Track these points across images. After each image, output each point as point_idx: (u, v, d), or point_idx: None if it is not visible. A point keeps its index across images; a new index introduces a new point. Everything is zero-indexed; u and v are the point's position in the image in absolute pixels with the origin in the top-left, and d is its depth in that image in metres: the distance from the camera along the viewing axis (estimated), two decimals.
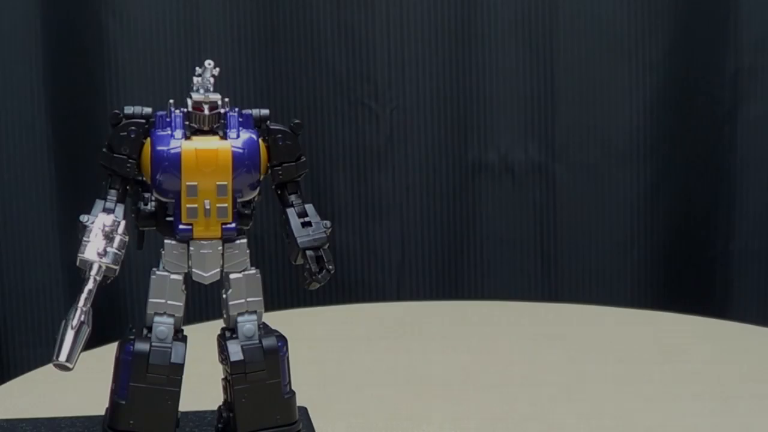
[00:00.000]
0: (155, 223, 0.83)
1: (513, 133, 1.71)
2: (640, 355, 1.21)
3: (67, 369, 0.75)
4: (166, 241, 0.83)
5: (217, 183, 0.81)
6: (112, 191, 0.81)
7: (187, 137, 0.81)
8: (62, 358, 0.75)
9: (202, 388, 0.91)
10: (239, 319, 0.83)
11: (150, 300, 0.82)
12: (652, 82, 1.69)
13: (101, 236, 0.78)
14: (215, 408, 0.88)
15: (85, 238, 0.79)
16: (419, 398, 1.08)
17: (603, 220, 1.73)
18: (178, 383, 0.81)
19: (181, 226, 0.81)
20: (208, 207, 0.81)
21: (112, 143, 0.81)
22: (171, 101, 0.82)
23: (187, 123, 0.81)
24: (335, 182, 1.69)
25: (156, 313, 0.82)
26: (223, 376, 0.85)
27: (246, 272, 0.84)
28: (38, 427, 0.93)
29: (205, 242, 0.82)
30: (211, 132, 0.82)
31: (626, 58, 1.69)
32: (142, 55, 1.62)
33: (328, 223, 0.84)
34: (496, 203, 1.73)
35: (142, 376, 0.80)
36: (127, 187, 0.82)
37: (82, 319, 0.76)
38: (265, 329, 0.84)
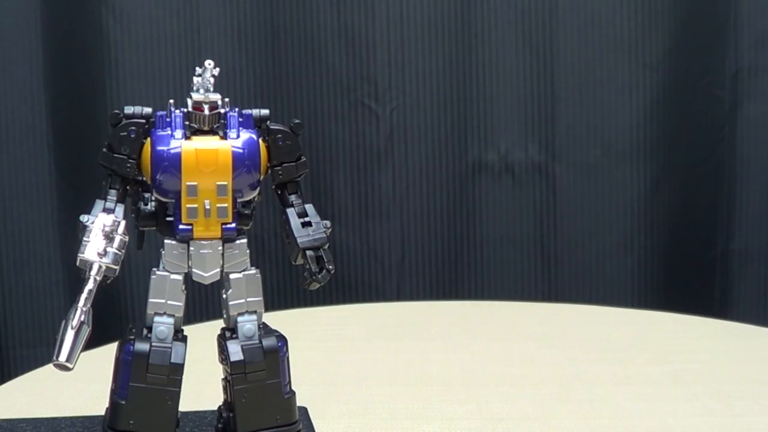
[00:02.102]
0: (155, 223, 0.83)
1: (513, 133, 1.71)
2: (640, 355, 1.21)
3: (67, 369, 0.75)
4: (166, 241, 0.82)
5: (217, 183, 0.81)
6: (112, 191, 0.81)
7: (187, 137, 0.81)
8: (62, 358, 0.75)
9: (202, 388, 0.91)
10: (239, 319, 0.83)
11: (150, 300, 0.82)
12: (652, 82, 1.70)
13: (101, 236, 0.78)
14: (215, 408, 0.88)
15: (85, 238, 0.79)
16: (419, 398, 1.08)
17: (603, 220, 1.73)
18: (178, 383, 0.81)
19: (181, 226, 0.81)
20: (208, 207, 0.81)
21: (112, 143, 0.81)
22: (171, 101, 0.82)
23: (187, 123, 0.81)
24: (335, 182, 1.70)
25: (156, 313, 0.82)
26: (223, 376, 0.85)
27: (246, 272, 0.84)
28: (38, 427, 0.93)
29: (205, 242, 0.82)
30: (211, 132, 0.82)
31: (626, 58, 1.69)
32: (142, 55, 1.62)
33: (328, 223, 0.84)
34: (496, 203, 1.73)
35: (142, 376, 0.80)
36: (127, 187, 0.82)
37: (82, 319, 0.76)
38: (265, 329, 0.84)
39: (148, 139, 0.81)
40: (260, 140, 0.83)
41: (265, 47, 1.66)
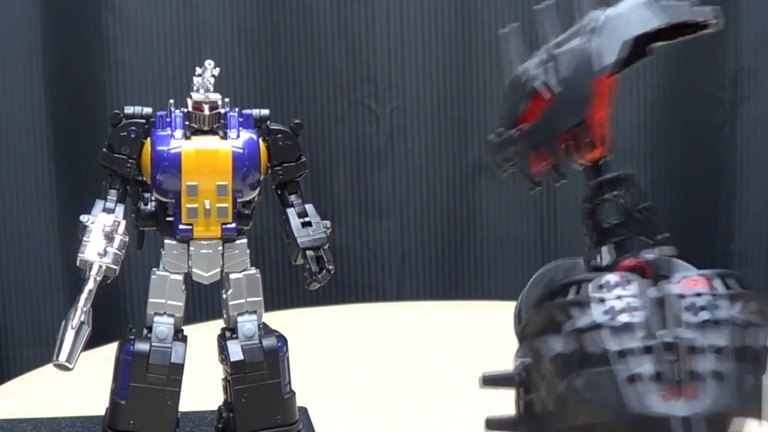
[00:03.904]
0: (155, 223, 0.84)
1: None
2: None
3: (67, 369, 0.75)
4: (166, 241, 0.83)
5: (218, 183, 0.81)
6: (112, 191, 0.82)
7: (187, 137, 0.81)
8: (62, 358, 0.75)
9: (202, 388, 0.91)
10: (239, 319, 0.83)
11: (150, 300, 0.82)
12: (652, 82, 1.69)
13: (101, 236, 0.79)
14: (215, 408, 0.88)
15: (85, 239, 0.79)
16: (419, 398, 1.08)
17: None
18: (178, 383, 0.82)
19: (181, 226, 0.82)
20: (208, 207, 0.81)
21: (112, 143, 0.81)
22: (171, 101, 0.83)
23: (187, 123, 0.82)
24: (335, 182, 1.69)
25: (156, 313, 0.82)
26: (223, 376, 0.85)
27: (246, 272, 0.84)
28: (38, 427, 0.93)
29: (205, 242, 0.82)
30: (212, 132, 0.82)
31: None
32: (142, 55, 1.62)
33: (327, 223, 0.85)
34: (496, 203, 1.73)
35: (142, 376, 0.80)
36: (127, 187, 0.82)
37: (82, 319, 0.76)
38: (265, 329, 0.84)
39: (148, 139, 0.81)
40: (260, 140, 0.83)
41: (265, 47, 1.66)
